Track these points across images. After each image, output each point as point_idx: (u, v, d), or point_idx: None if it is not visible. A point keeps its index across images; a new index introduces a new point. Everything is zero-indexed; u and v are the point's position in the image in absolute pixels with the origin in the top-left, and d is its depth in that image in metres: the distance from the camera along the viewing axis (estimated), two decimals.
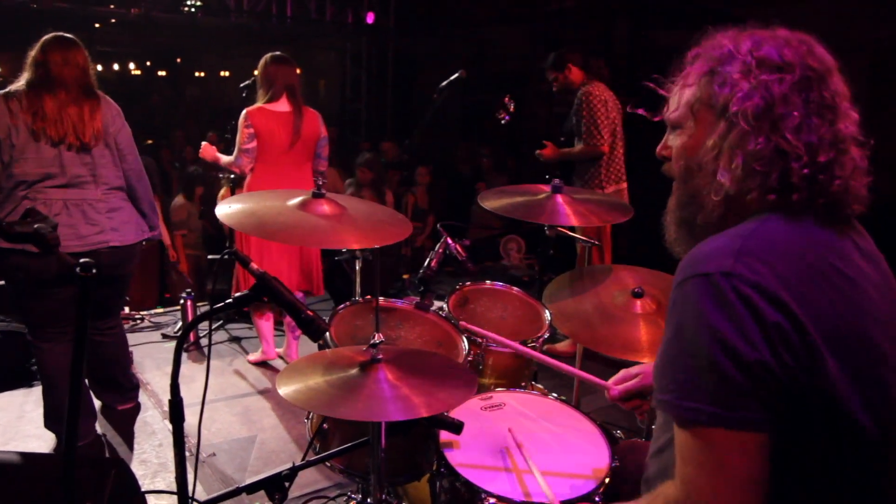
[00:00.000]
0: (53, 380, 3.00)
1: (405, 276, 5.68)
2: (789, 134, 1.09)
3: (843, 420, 1.03)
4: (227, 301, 1.56)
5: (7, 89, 2.81)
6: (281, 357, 4.15)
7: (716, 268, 1.04)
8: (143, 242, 3.15)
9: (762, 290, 1.01)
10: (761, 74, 1.11)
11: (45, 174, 2.80)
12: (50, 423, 3.10)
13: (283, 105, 3.71)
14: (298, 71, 3.84)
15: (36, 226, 1.52)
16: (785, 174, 1.10)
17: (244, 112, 3.67)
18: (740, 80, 1.12)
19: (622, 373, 1.79)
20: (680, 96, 1.23)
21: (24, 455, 2.33)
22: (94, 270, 1.48)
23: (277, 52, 3.79)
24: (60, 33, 2.89)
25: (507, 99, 3.90)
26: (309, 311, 1.57)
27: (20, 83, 2.84)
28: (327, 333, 2.09)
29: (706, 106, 1.17)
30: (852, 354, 1.04)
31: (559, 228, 2.91)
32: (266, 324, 4.02)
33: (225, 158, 3.82)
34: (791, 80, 1.10)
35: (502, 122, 4.11)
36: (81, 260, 1.46)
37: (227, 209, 2.04)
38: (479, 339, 2.31)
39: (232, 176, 4.71)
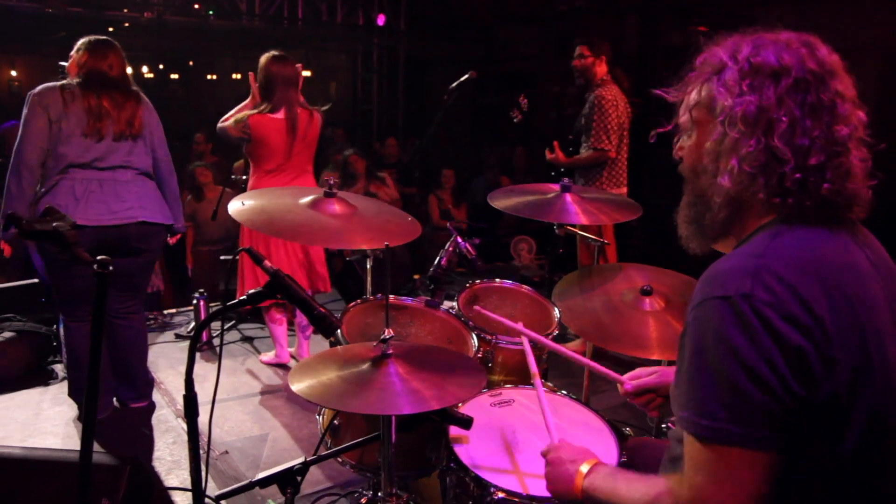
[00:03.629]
0: (79, 359, 3.24)
1: (416, 277, 5.70)
2: (780, 137, 1.11)
3: (846, 441, 1.06)
4: (241, 298, 1.59)
5: (63, 82, 3.09)
6: (293, 357, 4.19)
7: (735, 290, 1.05)
8: (169, 232, 3.39)
9: (783, 313, 1.03)
10: (756, 79, 1.13)
11: (86, 158, 3.06)
12: (73, 394, 3.36)
13: (282, 111, 3.69)
14: (308, 72, 3.84)
15: (54, 224, 1.55)
16: (781, 178, 1.12)
17: (248, 115, 3.66)
18: (735, 85, 1.15)
19: (638, 370, 1.80)
20: (687, 101, 1.26)
21: (41, 451, 2.37)
22: (110, 268, 1.51)
23: (275, 52, 3.74)
24: (97, 37, 3.18)
25: (521, 98, 3.94)
26: (321, 308, 1.59)
27: (73, 80, 3.10)
28: (339, 331, 2.11)
29: (706, 110, 1.20)
30: (868, 374, 1.06)
31: (568, 227, 2.93)
32: (280, 328, 4.05)
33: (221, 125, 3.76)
34: (787, 83, 1.12)
35: (514, 120, 4.14)
36: (99, 258, 1.49)
37: (238, 205, 2.07)
38: (489, 337, 2.32)
39: (245, 178, 4.75)
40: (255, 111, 3.70)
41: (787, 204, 1.13)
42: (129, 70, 3.25)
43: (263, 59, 3.74)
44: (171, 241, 3.47)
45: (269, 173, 3.74)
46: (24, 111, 2.99)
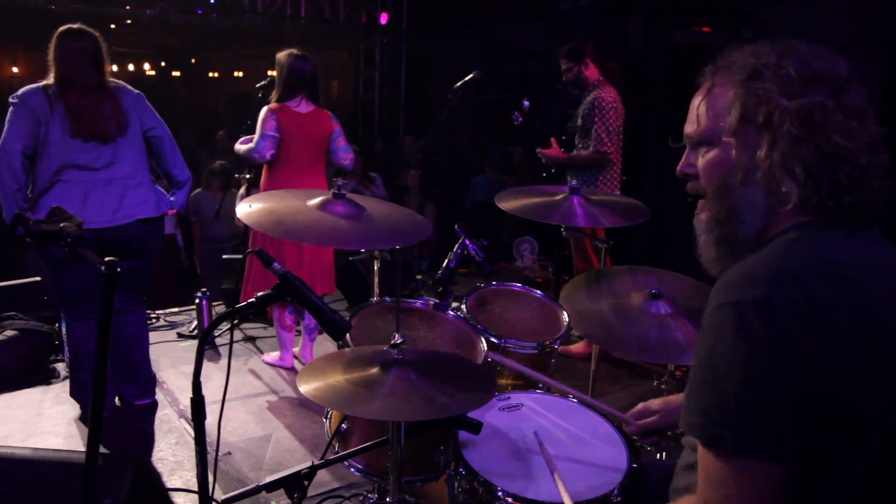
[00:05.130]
0: (81, 357, 3.22)
1: (418, 277, 5.68)
2: (831, 140, 1.09)
3: (865, 451, 1.03)
4: (250, 301, 1.56)
5: (45, 82, 3.04)
6: (295, 357, 4.17)
7: (750, 295, 1.02)
8: (166, 213, 3.36)
9: (799, 319, 1.00)
10: (797, 84, 1.11)
11: (79, 160, 3.04)
12: (75, 394, 3.33)
13: (302, 106, 3.73)
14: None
15: (61, 224, 1.54)
16: (834, 178, 1.09)
17: (267, 108, 3.69)
18: (778, 91, 1.11)
19: (641, 406, 1.81)
20: (706, 112, 1.21)
21: (43, 451, 2.35)
22: (118, 269, 1.50)
23: (297, 51, 3.78)
24: (70, 26, 3.08)
25: (524, 101, 3.96)
26: (332, 311, 1.57)
27: (51, 80, 3.04)
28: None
29: (743, 119, 1.15)
30: (889, 379, 1.03)
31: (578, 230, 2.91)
32: (289, 335, 4.03)
33: (242, 147, 3.80)
34: (827, 88, 1.11)
35: (515, 123, 4.14)
36: (106, 259, 1.47)
37: (247, 208, 2.05)
38: (496, 341, 2.31)
39: (248, 176, 4.73)
40: (275, 104, 3.71)
41: (828, 206, 1.10)
42: (107, 61, 3.14)
43: (284, 55, 3.74)
44: (170, 212, 3.42)
45: (285, 168, 3.74)
46: (10, 111, 2.96)
